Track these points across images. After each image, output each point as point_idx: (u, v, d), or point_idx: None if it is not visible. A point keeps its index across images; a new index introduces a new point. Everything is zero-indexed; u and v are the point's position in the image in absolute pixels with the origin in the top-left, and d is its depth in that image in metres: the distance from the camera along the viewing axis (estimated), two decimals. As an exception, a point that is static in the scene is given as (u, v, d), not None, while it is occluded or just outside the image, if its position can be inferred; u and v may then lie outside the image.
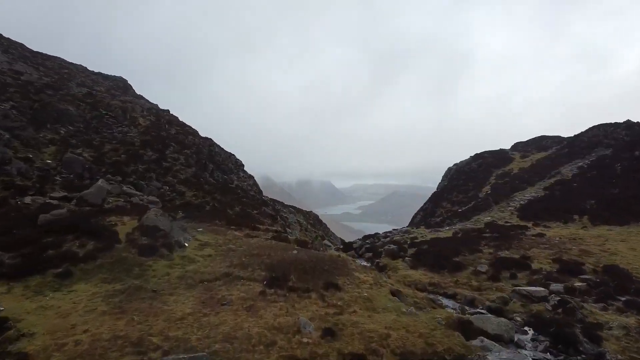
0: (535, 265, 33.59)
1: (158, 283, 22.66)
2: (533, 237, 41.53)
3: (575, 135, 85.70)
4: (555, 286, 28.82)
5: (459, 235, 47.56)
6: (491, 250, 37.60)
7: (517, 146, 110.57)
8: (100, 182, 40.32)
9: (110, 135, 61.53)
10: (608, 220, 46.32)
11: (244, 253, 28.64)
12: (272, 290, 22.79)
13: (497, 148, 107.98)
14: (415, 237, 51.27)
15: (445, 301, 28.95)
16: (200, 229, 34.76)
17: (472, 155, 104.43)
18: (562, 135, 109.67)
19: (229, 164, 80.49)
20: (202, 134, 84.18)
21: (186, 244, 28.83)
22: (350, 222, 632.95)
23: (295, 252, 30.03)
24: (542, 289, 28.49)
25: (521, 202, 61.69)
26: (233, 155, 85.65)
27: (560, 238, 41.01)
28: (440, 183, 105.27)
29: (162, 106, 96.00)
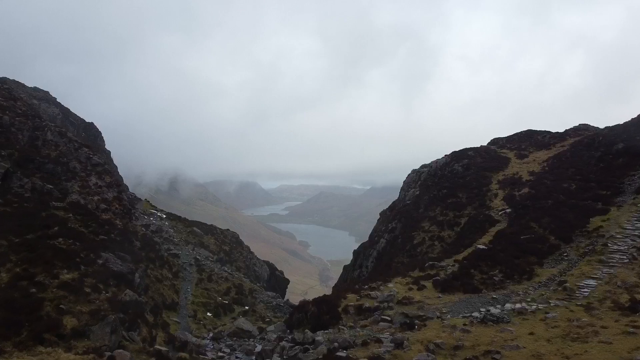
0: None
1: None
2: None
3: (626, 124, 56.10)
4: None
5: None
6: None
7: (498, 142, 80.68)
8: None
9: None
10: None
11: None
12: None
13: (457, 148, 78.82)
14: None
15: None
16: None
17: (449, 153, 72.67)
18: (551, 130, 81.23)
19: (71, 162, 43.07)
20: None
21: None
22: (277, 223, 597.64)
23: None
24: None
25: (634, 241, 29.55)
26: (86, 148, 48.20)
27: None
28: (406, 191, 72.57)
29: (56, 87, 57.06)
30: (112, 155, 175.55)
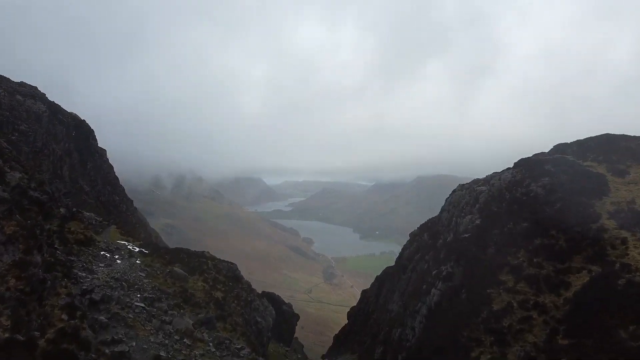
0: None
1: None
2: None
3: None
4: None
5: None
6: None
7: (565, 150, 61.52)
8: None
9: None
10: None
11: None
12: None
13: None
14: None
15: None
16: None
17: (514, 167, 53.61)
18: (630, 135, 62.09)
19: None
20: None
21: None
22: (281, 219, 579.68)
23: None
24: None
25: None
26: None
27: None
28: (456, 215, 53.26)
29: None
30: (110, 152, 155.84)
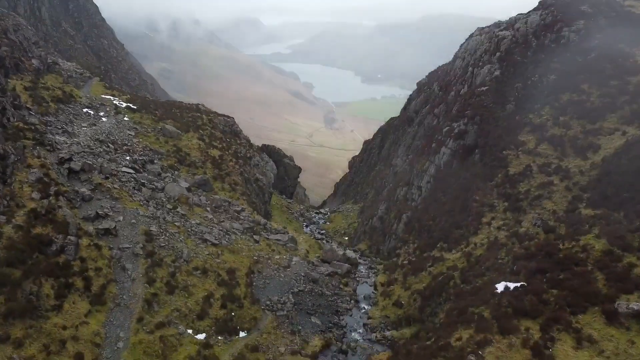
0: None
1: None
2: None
3: None
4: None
5: None
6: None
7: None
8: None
9: None
10: None
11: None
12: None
13: None
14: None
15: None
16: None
17: (543, 7, 46.40)
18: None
19: None
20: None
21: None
22: (280, 62, 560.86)
23: None
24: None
25: None
26: None
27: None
28: (473, 65, 47.59)
29: None
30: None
